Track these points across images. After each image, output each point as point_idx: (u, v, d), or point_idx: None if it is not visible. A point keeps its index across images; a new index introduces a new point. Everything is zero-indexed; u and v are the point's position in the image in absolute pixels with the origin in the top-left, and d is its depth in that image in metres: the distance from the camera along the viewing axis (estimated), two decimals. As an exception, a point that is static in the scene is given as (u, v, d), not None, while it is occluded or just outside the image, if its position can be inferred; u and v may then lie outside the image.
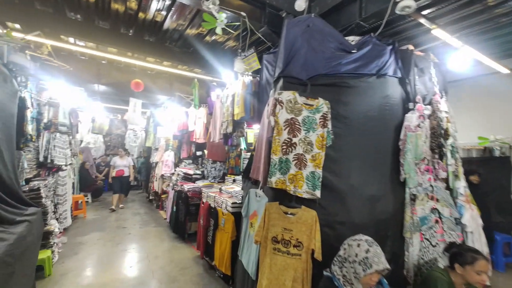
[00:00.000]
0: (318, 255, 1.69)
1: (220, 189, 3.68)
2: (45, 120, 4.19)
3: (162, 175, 6.56)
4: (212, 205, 3.40)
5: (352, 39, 2.28)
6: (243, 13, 2.84)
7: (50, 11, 3.67)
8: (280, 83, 2.03)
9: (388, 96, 2.09)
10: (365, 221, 1.84)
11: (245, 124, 3.77)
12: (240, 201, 3.01)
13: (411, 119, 2.06)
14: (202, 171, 5.23)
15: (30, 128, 3.36)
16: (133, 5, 3.56)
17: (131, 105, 5.22)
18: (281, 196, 1.98)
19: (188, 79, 5.69)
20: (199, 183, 4.77)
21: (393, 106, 2.11)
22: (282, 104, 1.93)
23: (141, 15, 3.82)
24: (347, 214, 1.82)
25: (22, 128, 3.16)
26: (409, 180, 1.99)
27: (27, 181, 3.50)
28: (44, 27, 3.59)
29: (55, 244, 3.69)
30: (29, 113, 3.31)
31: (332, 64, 1.98)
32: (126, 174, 6.61)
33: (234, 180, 3.85)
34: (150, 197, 7.51)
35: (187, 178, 5.04)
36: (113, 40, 4.08)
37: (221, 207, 3.20)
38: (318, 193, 1.81)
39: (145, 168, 8.87)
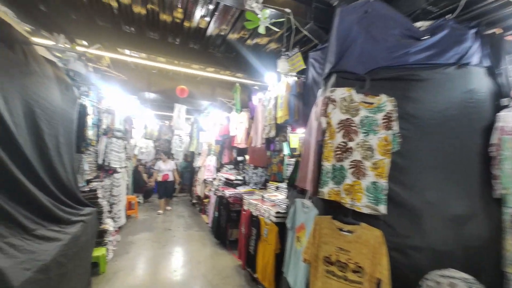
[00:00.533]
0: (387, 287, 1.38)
1: (262, 197, 3.51)
2: (104, 126, 4.56)
3: (205, 180, 6.69)
4: (254, 214, 3.25)
5: (420, 25, 1.91)
6: (287, 10, 2.67)
7: (109, 26, 4.01)
8: (332, 79, 1.78)
9: (472, 91, 1.68)
10: (450, 248, 1.45)
11: (288, 128, 3.56)
12: (284, 211, 2.80)
13: (507, 118, 1.61)
14: (243, 177, 5.15)
15: (90, 133, 3.66)
16: (179, 14, 3.68)
17: (176, 111, 5.45)
18: (334, 209, 1.71)
19: (230, 84, 5.74)
20: (240, 189, 4.68)
21: (480, 103, 1.69)
22: (335, 103, 1.68)
23: (186, 23, 3.93)
24: (424, 238, 1.47)
25: (83, 133, 3.46)
26: (508, 197, 1.54)
27: (88, 182, 3.82)
28: (104, 41, 3.93)
29: (110, 242, 3.95)
30: (89, 120, 3.61)
31: (397, 54, 1.67)
32: (170, 178, 6.78)
33: (277, 188, 3.65)
34: (193, 201, 7.74)
35: (228, 183, 5.01)
36: (162, 49, 4.29)
37: (263, 216, 3.02)
38: (382, 208, 1.50)
39: (188, 172, 9.25)
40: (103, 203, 3.72)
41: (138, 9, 3.67)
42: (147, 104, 6.12)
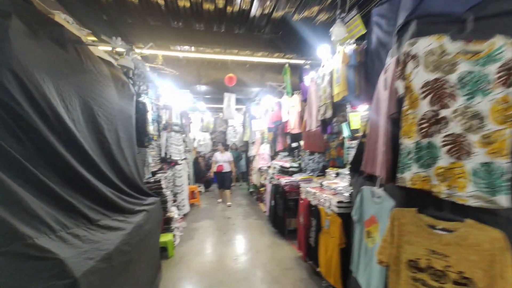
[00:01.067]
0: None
1: (321, 184, 3.19)
2: (163, 122, 4.87)
3: (260, 168, 6.65)
4: (313, 203, 2.97)
5: None
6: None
7: (159, 24, 4.16)
8: (411, 29, 1.34)
9: None
10: None
11: (347, 106, 3.10)
12: (347, 200, 2.44)
13: None
14: (299, 164, 4.86)
15: (151, 128, 3.91)
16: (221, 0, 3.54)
17: (226, 100, 5.46)
18: (419, 200, 1.32)
19: (279, 67, 5.43)
20: (296, 177, 4.42)
21: None
22: (417, 60, 1.25)
23: (229, 8, 3.77)
24: None
25: (145, 128, 3.70)
26: None
27: (153, 173, 4.13)
28: (156, 39, 4.10)
29: (176, 228, 4.24)
30: (150, 116, 3.85)
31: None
32: (226, 169, 6.52)
33: (337, 174, 3.26)
34: (250, 190, 7.84)
35: (283, 171, 4.80)
36: (208, 39, 4.27)
37: (323, 206, 2.72)
38: (503, 199, 1.05)
39: (238, 160, 9.32)
40: (167, 192, 3.97)
41: (182, 2, 3.67)
42: (199, 97, 6.33)
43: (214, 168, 6.58)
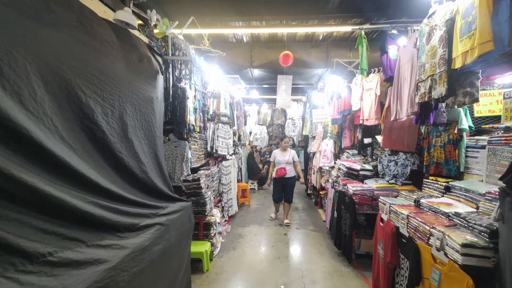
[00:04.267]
0: None
1: (417, 203, 2.05)
2: (210, 112, 4.37)
3: (320, 168, 5.59)
4: (403, 231, 1.88)
5: None
6: None
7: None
8: None
9: None
10: None
11: (478, 76, 1.83)
12: (485, 244, 1.32)
13: None
14: (374, 166, 3.66)
15: (192, 118, 3.39)
16: None
17: (280, 84, 4.54)
18: None
19: (348, 43, 4.26)
20: (371, 184, 3.28)
21: None
22: None
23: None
24: None
25: (184, 118, 3.20)
26: None
27: (195, 170, 3.64)
28: (201, 13, 3.52)
29: (218, 234, 3.69)
30: (190, 104, 3.33)
31: None
32: (289, 174, 4.62)
33: (447, 189, 2.05)
34: (308, 191, 6.84)
35: (352, 174, 3.69)
36: (260, 8, 3.47)
37: (427, 242, 1.63)
38: None
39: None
40: (208, 193, 3.42)
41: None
42: (252, 84, 5.64)
43: (273, 173, 4.76)
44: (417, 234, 1.75)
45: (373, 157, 4.08)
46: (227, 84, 4.74)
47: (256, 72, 4.78)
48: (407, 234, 1.86)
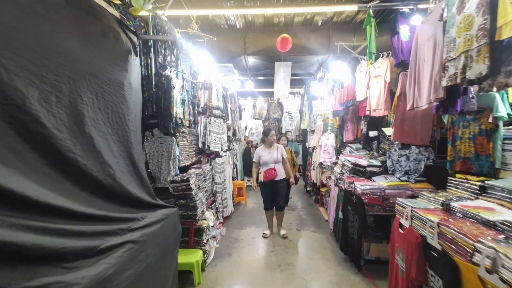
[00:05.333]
0: None
1: (446, 207, 1.71)
2: (201, 105, 3.97)
3: (321, 163, 5.26)
4: (434, 242, 1.54)
5: None
6: None
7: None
8: None
9: None
10: None
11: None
12: None
13: None
14: (383, 162, 3.33)
15: (180, 111, 2.99)
16: None
17: (278, 72, 4.10)
18: None
19: (351, 26, 3.88)
20: (380, 182, 2.95)
21: None
22: None
23: None
24: None
25: (169, 110, 2.80)
26: None
27: (184, 169, 3.25)
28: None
29: (212, 239, 3.33)
30: (177, 94, 2.93)
31: None
32: (280, 176, 3.73)
33: (482, 190, 1.70)
34: (308, 188, 6.52)
35: (358, 171, 3.35)
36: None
37: (469, 259, 1.29)
38: None
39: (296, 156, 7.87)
40: (199, 195, 3.05)
41: None
42: (246, 74, 5.23)
43: (260, 176, 3.78)
44: (454, 247, 1.41)
45: (380, 151, 3.74)
46: (219, 74, 4.33)
47: (251, 60, 4.37)
48: (438, 247, 1.52)
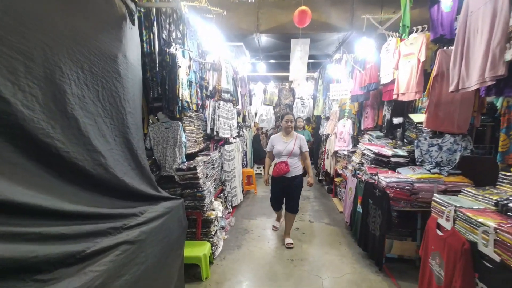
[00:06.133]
0: None
1: (503, 208, 1.41)
2: (210, 87, 3.70)
3: (336, 152, 4.96)
4: (488, 251, 1.27)
5: None
6: None
7: None
8: None
9: None
10: None
11: None
12: None
13: None
14: (410, 152, 3.00)
15: (186, 93, 2.74)
16: None
17: (294, 50, 3.66)
18: None
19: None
20: (407, 174, 2.65)
21: None
22: None
23: None
24: None
25: (175, 92, 2.55)
26: None
27: (192, 156, 3.04)
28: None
29: (221, 229, 3.16)
30: (183, 75, 2.66)
31: None
32: (293, 172, 3.05)
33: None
34: (320, 177, 6.25)
35: (381, 161, 3.04)
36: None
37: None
38: None
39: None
40: (207, 184, 2.85)
41: None
42: (258, 54, 4.87)
43: (270, 169, 3.29)
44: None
45: (405, 140, 3.40)
46: (229, 54, 4.00)
47: (264, 39, 4.00)
48: (495, 257, 1.25)
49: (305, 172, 3.26)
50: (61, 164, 1.02)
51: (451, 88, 1.99)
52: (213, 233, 2.80)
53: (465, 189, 1.78)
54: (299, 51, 3.59)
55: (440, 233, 1.67)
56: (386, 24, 3.09)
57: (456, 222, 1.55)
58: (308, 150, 3.24)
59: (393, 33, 3.10)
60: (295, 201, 3.15)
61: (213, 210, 2.98)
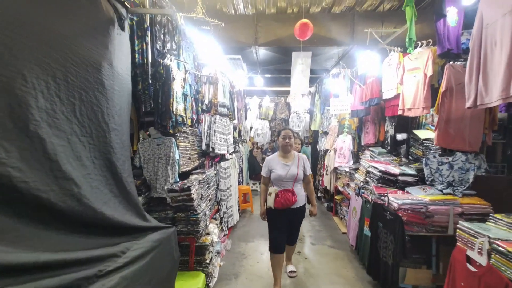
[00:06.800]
0: None
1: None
2: (206, 101, 3.52)
3: (336, 168, 4.78)
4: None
5: None
6: None
7: None
8: None
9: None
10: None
11: None
12: None
13: None
14: (418, 170, 2.84)
15: (181, 107, 2.54)
16: None
17: (295, 63, 3.50)
18: None
19: (378, 14, 3.39)
20: (417, 194, 2.47)
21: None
22: None
23: None
24: None
25: (168, 106, 2.35)
26: None
27: (185, 175, 2.80)
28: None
29: (216, 256, 2.87)
30: (177, 88, 2.47)
31: None
32: (300, 202, 2.53)
33: None
34: (319, 194, 6.03)
35: (388, 180, 2.86)
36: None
37: None
38: None
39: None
40: (201, 206, 2.59)
41: None
42: (256, 68, 4.76)
43: (270, 200, 2.50)
44: None
45: (410, 157, 3.25)
46: (226, 67, 3.87)
47: (262, 53, 3.90)
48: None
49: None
50: (16, 198, 0.79)
51: (467, 104, 1.85)
52: (207, 261, 2.51)
53: (495, 216, 1.60)
54: (301, 64, 3.48)
55: (472, 268, 1.46)
56: (388, 39, 3.01)
57: (492, 256, 1.35)
58: (311, 172, 2.78)
59: (395, 48, 3.03)
60: (298, 232, 2.78)
61: (208, 234, 2.71)
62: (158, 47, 2.39)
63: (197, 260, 2.46)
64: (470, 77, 1.83)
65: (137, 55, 2.11)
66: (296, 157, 2.61)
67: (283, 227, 2.54)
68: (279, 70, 5.51)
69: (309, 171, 2.65)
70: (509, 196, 2.47)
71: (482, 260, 1.39)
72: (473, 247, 1.48)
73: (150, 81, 2.20)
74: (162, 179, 2.44)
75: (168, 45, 2.56)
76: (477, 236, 1.46)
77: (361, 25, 3.27)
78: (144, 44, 2.17)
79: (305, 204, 2.64)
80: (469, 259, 1.51)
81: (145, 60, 2.17)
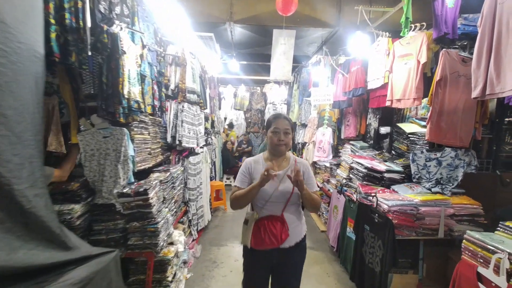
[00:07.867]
0: None
1: None
2: (171, 86, 3.01)
3: (315, 163, 4.56)
4: None
5: None
6: None
7: None
8: None
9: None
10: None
11: None
12: None
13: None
14: (405, 166, 2.65)
15: (136, 90, 2.02)
16: None
17: (277, 43, 3.03)
18: None
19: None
20: (404, 193, 2.27)
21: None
22: None
23: None
24: None
25: (117, 87, 1.82)
26: None
27: (146, 173, 2.31)
28: None
29: (181, 268, 2.46)
30: (131, 65, 1.95)
31: None
32: (294, 238, 1.48)
33: None
34: (296, 188, 5.80)
35: (373, 177, 2.64)
36: None
37: None
38: None
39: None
40: (163, 212, 2.13)
41: None
42: (230, 51, 4.27)
43: (245, 234, 1.46)
44: None
45: (393, 152, 3.08)
46: (197, 48, 3.34)
47: (238, 32, 3.43)
48: None
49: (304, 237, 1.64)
50: None
51: (474, 94, 1.62)
52: (169, 279, 2.09)
53: (505, 224, 1.39)
54: (283, 44, 3.06)
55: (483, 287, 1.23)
56: (378, 21, 2.73)
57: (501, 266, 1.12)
58: (318, 189, 1.75)
59: (383, 32, 2.76)
60: (297, 280, 1.62)
61: (172, 244, 2.27)
62: (102, 10, 1.84)
63: (157, 279, 2.03)
64: (478, 62, 1.59)
65: (67, 15, 1.54)
66: (293, 163, 1.50)
67: (263, 273, 1.56)
68: (257, 56, 5.08)
69: (315, 187, 1.55)
70: (494, 194, 2.38)
71: (501, 281, 1.17)
72: (485, 263, 1.25)
73: (89, 53, 1.66)
74: (110, 181, 1.94)
75: (117, 9, 2.00)
76: (492, 251, 1.23)
77: (349, 5, 2.96)
78: (80, 2, 1.61)
79: (302, 240, 1.56)
80: (479, 276, 1.29)
81: (81, 23, 1.62)
